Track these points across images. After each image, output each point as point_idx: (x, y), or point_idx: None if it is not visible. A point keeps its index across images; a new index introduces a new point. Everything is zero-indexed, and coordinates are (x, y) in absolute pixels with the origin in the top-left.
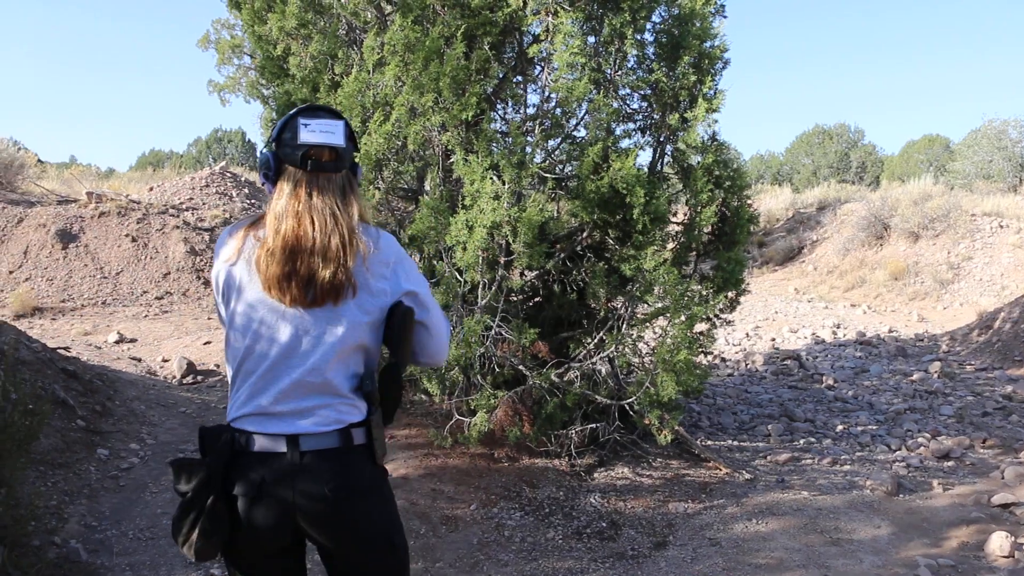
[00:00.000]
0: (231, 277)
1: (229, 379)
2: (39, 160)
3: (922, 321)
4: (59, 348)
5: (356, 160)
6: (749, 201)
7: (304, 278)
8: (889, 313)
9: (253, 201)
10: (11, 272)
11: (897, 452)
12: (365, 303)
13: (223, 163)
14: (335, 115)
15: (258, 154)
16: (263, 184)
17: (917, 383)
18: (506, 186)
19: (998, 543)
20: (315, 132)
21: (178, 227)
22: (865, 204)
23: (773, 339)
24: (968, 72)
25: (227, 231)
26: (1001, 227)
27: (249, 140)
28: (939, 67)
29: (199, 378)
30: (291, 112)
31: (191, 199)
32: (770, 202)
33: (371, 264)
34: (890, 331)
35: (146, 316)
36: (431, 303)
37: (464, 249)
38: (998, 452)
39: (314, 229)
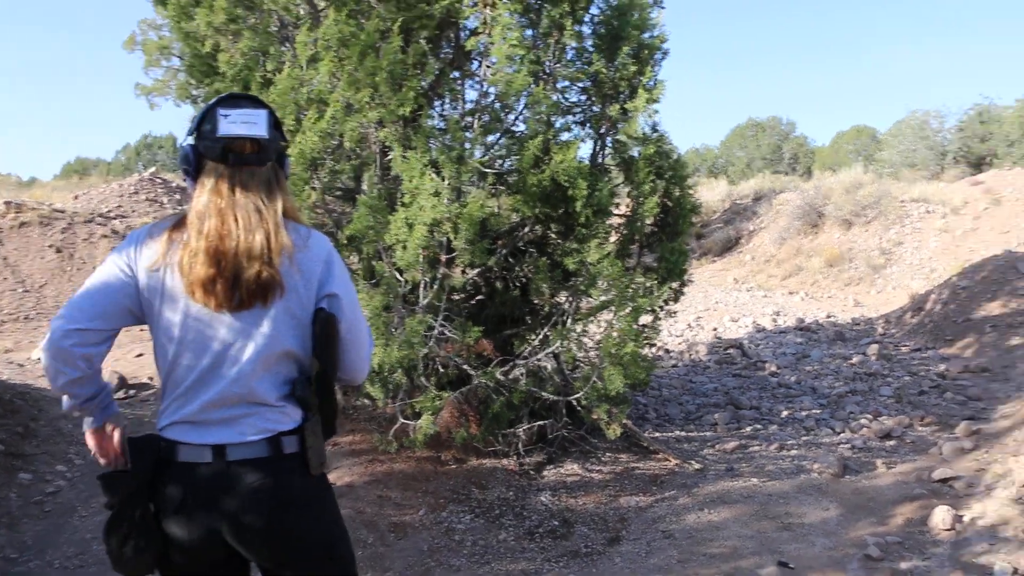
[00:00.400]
0: (154, 282)
1: (160, 387)
2: None
3: (858, 306)
4: None
5: (283, 151)
6: (691, 191)
7: (229, 280)
8: (826, 299)
9: (186, 207)
10: None
11: (841, 434)
12: (293, 305)
13: (153, 169)
14: (257, 104)
15: (177, 148)
16: (184, 180)
17: (857, 366)
18: (446, 182)
19: (940, 517)
20: (236, 123)
21: (106, 236)
22: (799, 194)
23: (715, 329)
24: (893, 65)
25: (145, 231)
26: (928, 212)
27: (180, 145)
28: (867, 61)
29: (132, 392)
30: (210, 102)
31: (119, 207)
32: (707, 194)
33: (299, 263)
34: (828, 316)
35: None
36: (353, 312)
37: (404, 248)
38: (936, 429)
39: (238, 227)
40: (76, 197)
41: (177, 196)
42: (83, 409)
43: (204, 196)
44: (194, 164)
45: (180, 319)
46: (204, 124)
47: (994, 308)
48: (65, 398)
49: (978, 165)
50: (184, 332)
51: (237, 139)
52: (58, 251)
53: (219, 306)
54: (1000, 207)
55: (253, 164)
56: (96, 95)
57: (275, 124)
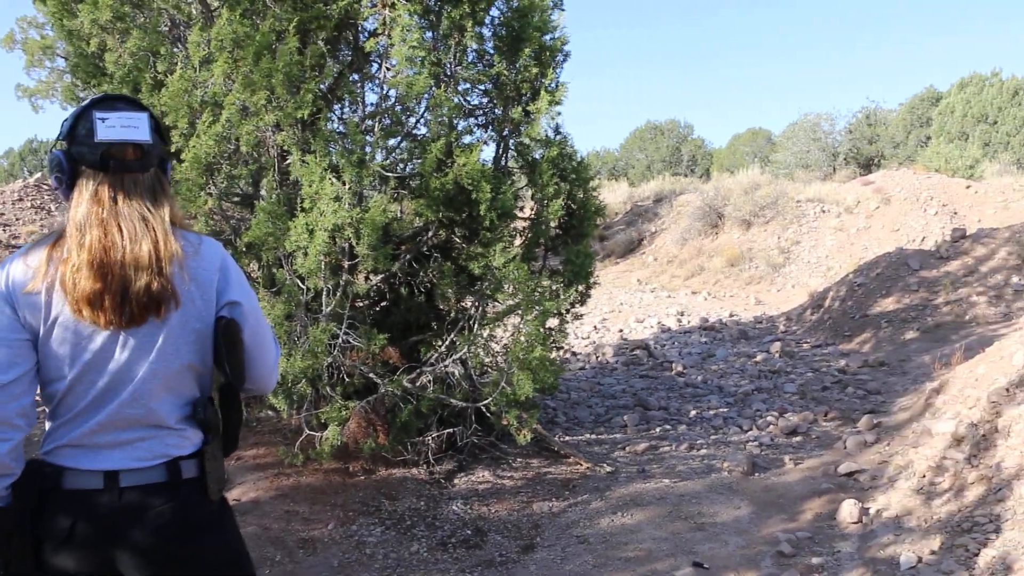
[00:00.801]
0: (37, 306)
1: (47, 410)
2: None
3: (759, 304)
4: None
5: (166, 156)
6: (595, 193)
7: (117, 293)
8: (728, 298)
9: (61, 221)
10: None
11: (749, 432)
12: (190, 317)
13: (39, 175)
14: (136, 106)
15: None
16: (56, 188)
17: (761, 364)
18: (347, 187)
19: (848, 511)
20: (115, 127)
21: None
22: (699, 195)
23: (621, 330)
24: (787, 68)
25: (18, 255)
26: (823, 212)
27: (51, 151)
28: (761, 64)
29: None
30: (83, 104)
31: (2, 214)
32: (608, 196)
33: (192, 272)
34: (731, 315)
35: None
36: (256, 319)
37: (305, 255)
38: (839, 424)
39: (123, 237)
40: None
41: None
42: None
43: (83, 206)
44: (68, 171)
45: (70, 339)
46: (78, 128)
47: (889, 304)
48: None
49: (867, 166)
50: (75, 353)
51: (117, 144)
52: None
53: (108, 323)
54: (890, 206)
55: (136, 170)
56: None
57: (156, 128)
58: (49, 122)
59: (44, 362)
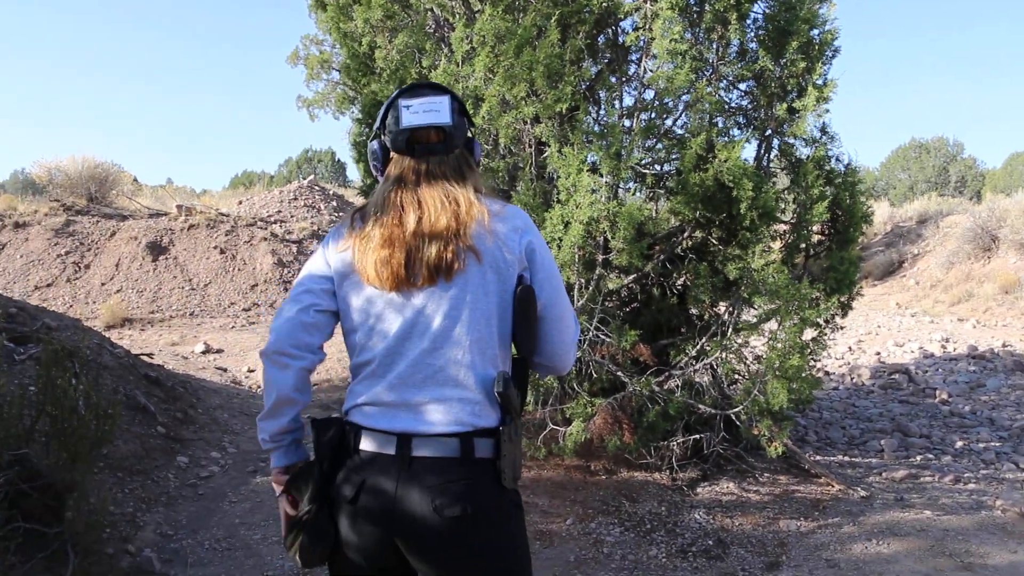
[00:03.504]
0: (341, 266)
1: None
2: (135, 180)
3: None
4: (142, 355)
5: (471, 136)
6: (862, 198)
7: (403, 262)
8: (1001, 327)
9: (341, 214)
10: (103, 284)
11: None
12: (487, 270)
13: (311, 177)
14: (440, 90)
15: (368, 147)
16: (377, 176)
17: None
18: (604, 179)
19: None
20: (418, 113)
21: (266, 239)
22: (970, 216)
23: (878, 353)
24: None
25: (336, 227)
26: None
27: (339, 160)
28: None
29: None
30: (393, 94)
31: (279, 212)
32: None
33: (495, 229)
34: (1004, 345)
35: (233, 327)
36: (555, 289)
37: (559, 247)
38: None
39: (420, 215)
40: (240, 203)
41: (334, 203)
42: (279, 441)
43: (386, 187)
44: (381, 159)
45: (362, 301)
46: (388, 117)
47: None
48: (271, 424)
49: None
50: (365, 313)
51: (421, 129)
52: (222, 252)
53: (395, 286)
54: None
55: (440, 153)
56: (263, 110)
57: (460, 110)
58: (323, 134)
59: (344, 321)
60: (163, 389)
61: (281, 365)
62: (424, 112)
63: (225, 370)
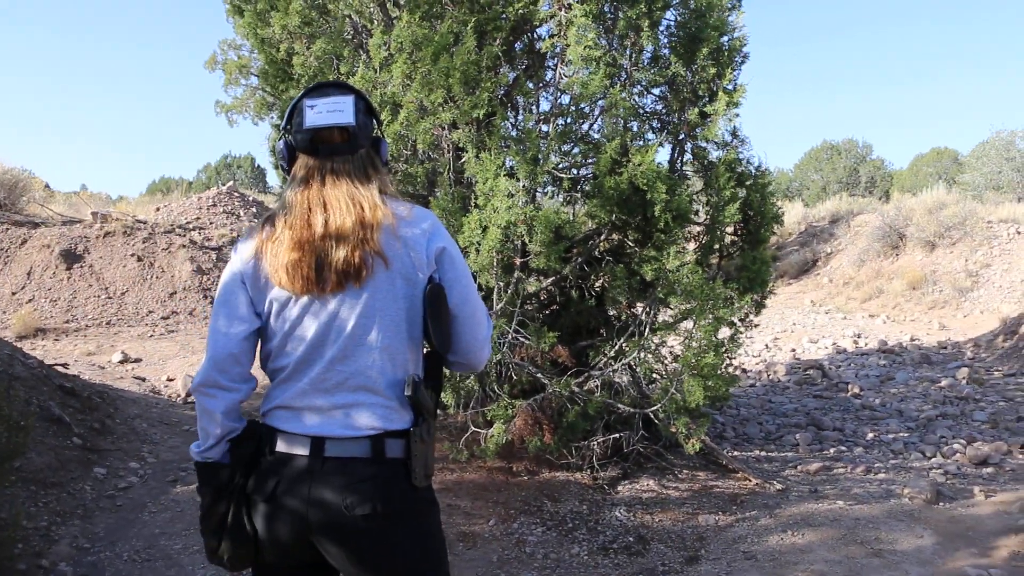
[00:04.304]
0: (250, 271)
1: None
2: (47, 186)
3: (943, 329)
4: (56, 364)
5: (378, 136)
6: (772, 199)
7: (313, 265)
8: (909, 322)
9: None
10: (14, 293)
11: (932, 459)
12: (395, 275)
13: (230, 183)
14: (346, 90)
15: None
16: (284, 177)
17: (946, 389)
18: (520, 183)
19: None
20: (321, 113)
21: (184, 246)
22: (879, 215)
23: (793, 350)
24: (974, 85)
25: (246, 232)
26: (1018, 233)
27: (258, 165)
28: (945, 81)
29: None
30: (299, 94)
31: (198, 219)
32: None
33: (401, 233)
34: (912, 339)
35: (151, 336)
36: (465, 286)
37: (477, 251)
38: None
39: (326, 216)
40: (158, 209)
41: (254, 209)
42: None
43: (292, 188)
44: (287, 158)
45: (275, 306)
46: (293, 117)
47: None
48: (211, 430)
49: None
50: (280, 319)
51: (324, 129)
52: (139, 260)
53: (305, 290)
54: None
55: (344, 153)
56: (179, 116)
57: (366, 109)
58: (242, 140)
59: (263, 328)
60: (79, 399)
61: (211, 396)
62: (328, 112)
63: (144, 379)
